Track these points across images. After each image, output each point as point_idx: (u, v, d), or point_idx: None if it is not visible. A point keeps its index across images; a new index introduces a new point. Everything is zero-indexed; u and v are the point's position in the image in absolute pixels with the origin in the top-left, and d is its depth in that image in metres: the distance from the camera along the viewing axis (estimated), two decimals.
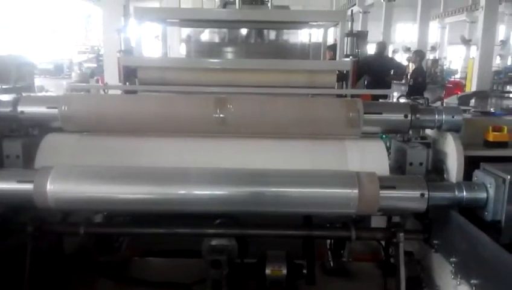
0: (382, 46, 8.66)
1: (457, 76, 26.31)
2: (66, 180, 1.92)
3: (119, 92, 2.96)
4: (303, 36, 5.20)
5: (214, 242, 2.14)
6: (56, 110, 2.14)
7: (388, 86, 7.84)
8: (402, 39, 37.82)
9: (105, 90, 2.72)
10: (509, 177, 1.88)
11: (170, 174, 2.01)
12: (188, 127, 2.23)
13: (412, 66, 9.80)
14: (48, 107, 2.16)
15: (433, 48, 30.37)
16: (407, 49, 27.57)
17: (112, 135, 2.23)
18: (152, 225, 2.19)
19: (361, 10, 25.90)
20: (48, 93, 9.77)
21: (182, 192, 1.97)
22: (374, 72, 7.79)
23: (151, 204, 1.99)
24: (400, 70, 9.28)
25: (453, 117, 2.16)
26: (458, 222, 1.95)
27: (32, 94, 2.31)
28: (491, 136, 2.31)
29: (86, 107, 2.21)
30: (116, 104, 2.26)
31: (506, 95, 19.32)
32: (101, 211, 2.25)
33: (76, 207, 2.03)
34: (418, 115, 2.18)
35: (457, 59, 33.43)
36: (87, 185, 1.94)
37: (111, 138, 2.23)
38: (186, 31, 6.06)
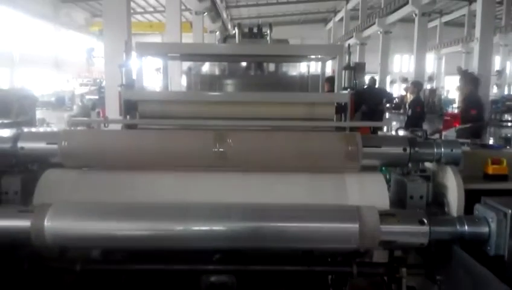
0: (373, 81, 10.08)
1: (455, 105, 26.59)
2: (64, 217, 1.91)
3: (119, 126, 2.98)
4: (302, 69, 5.29)
5: (212, 279, 2.11)
6: (56, 145, 2.15)
7: (382, 113, 8.88)
8: (399, 69, 38.44)
9: (106, 124, 2.75)
10: (510, 211, 1.87)
11: (169, 210, 2.00)
12: (188, 162, 2.24)
13: (410, 97, 9.98)
14: (47, 143, 2.17)
15: (431, 78, 30.82)
16: (405, 80, 27.99)
17: (112, 171, 2.24)
18: (150, 261, 2.16)
19: (358, 42, 26.47)
20: (50, 126, 9.82)
21: (182, 228, 1.95)
22: (369, 103, 8.78)
23: (151, 240, 1.97)
24: (389, 97, 10.95)
25: (451, 150, 2.17)
26: (460, 257, 1.92)
27: (32, 129, 2.32)
28: (491, 169, 2.31)
29: (85, 143, 2.22)
30: (116, 140, 2.27)
31: (504, 124, 19.47)
32: (99, 247, 2.22)
33: (75, 244, 2.01)
34: (416, 148, 2.20)
35: (455, 89, 33.86)
36: (85, 221, 1.92)
37: (111, 173, 2.23)
38: (187, 63, 6.17)
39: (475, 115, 6.10)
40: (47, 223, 1.87)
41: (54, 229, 1.88)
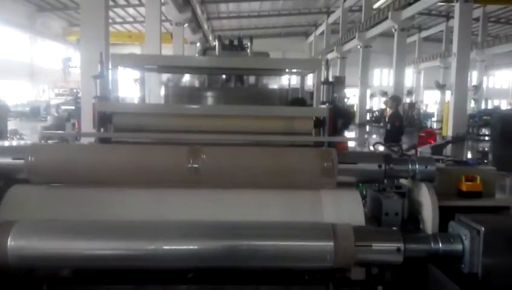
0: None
1: (434, 119, 27.08)
2: (29, 235, 1.83)
3: (92, 139, 2.90)
4: (281, 82, 5.29)
5: None
6: (23, 160, 2.06)
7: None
8: (379, 83, 39.08)
9: (78, 138, 2.66)
10: (483, 228, 1.88)
11: (140, 229, 1.94)
12: (160, 178, 2.18)
13: (389, 111, 10.01)
14: (14, 158, 2.08)
15: (410, 92, 31.36)
16: (384, 93, 28.44)
17: (82, 187, 2.16)
18: (122, 281, 2.08)
19: (339, 56, 26.83)
20: (23, 137, 9.56)
21: (153, 247, 1.89)
22: None
23: (121, 260, 1.91)
24: (345, 119, 9.34)
25: (426, 167, 2.18)
26: (435, 275, 1.92)
27: (2, 143, 2.23)
28: (465, 186, 2.32)
29: (54, 158, 2.13)
30: (86, 155, 2.20)
31: (482, 138, 19.87)
32: (66, 268, 2.13)
33: (40, 264, 1.92)
34: (391, 165, 2.20)
35: (433, 103, 34.57)
36: (51, 240, 1.85)
37: (80, 189, 2.15)
38: (166, 75, 6.12)
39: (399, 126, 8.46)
40: (10, 242, 1.79)
41: (18, 248, 1.80)
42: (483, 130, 21.23)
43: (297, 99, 4.47)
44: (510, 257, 1.90)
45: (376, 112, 27.93)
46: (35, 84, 29.67)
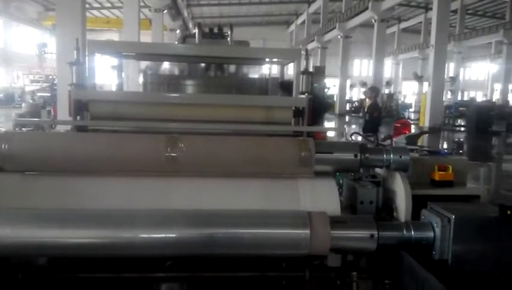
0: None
1: (412, 110, 27.52)
2: (2, 224, 1.80)
3: (68, 127, 2.86)
4: (261, 71, 5.28)
5: (164, 287, 2.06)
6: None
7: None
8: (359, 73, 39.44)
9: (53, 125, 2.62)
10: (453, 216, 1.94)
11: (117, 217, 1.93)
12: (138, 167, 2.17)
13: (368, 102, 10.14)
14: None
15: (388, 83, 31.72)
16: (364, 84, 28.73)
17: (57, 175, 2.13)
18: (99, 269, 2.08)
19: (319, 46, 26.92)
20: None
21: (130, 235, 1.89)
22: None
23: (97, 249, 1.90)
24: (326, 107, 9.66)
25: (400, 157, 2.23)
26: (407, 262, 1.97)
27: None
28: (437, 176, 2.39)
29: (28, 146, 2.10)
30: (62, 143, 2.17)
31: (457, 128, 20.32)
32: (41, 256, 2.11)
33: (13, 253, 1.90)
34: (367, 155, 2.24)
35: (412, 93, 35.12)
36: (25, 229, 1.82)
37: (55, 178, 2.12)
38: (145, 62, 6.00)
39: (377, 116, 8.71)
40: None
41: None
42: (458, 121, 21.69)
43: (286, 82, 4.45)
44: (478, 244, 1.97)
45: (356, 103, 28.22)
46: (10, 70, 28.85)
